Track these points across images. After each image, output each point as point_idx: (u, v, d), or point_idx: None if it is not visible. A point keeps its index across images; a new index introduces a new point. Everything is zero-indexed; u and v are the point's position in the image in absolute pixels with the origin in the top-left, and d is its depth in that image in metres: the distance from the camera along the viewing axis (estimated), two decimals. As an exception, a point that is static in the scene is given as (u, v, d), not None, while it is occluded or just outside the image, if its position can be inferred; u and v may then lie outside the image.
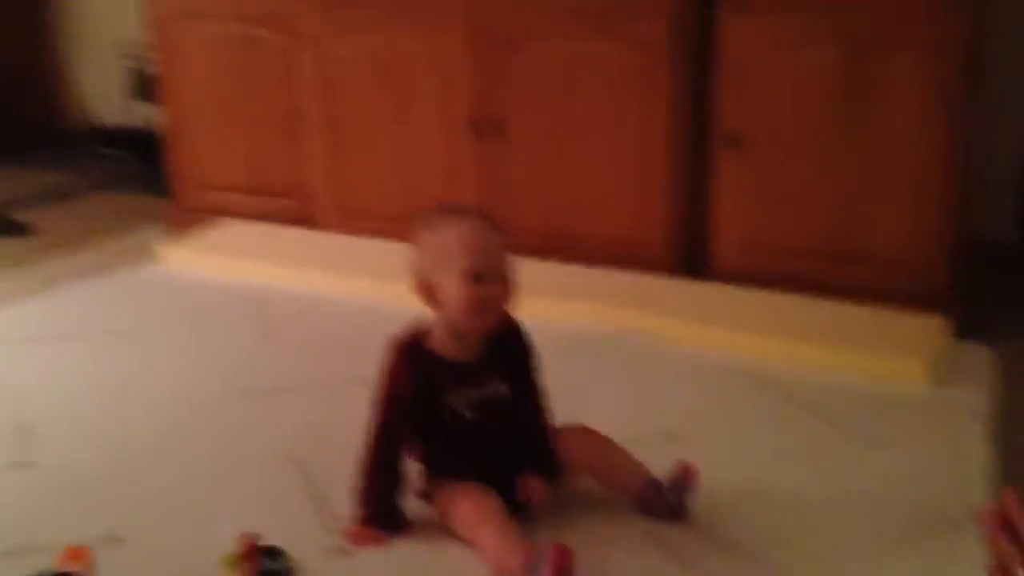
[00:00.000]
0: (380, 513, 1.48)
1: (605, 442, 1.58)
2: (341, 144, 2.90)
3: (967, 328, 2.32)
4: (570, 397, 1.65)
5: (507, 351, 1.52)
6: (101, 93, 4.59)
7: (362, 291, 2.51)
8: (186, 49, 3.04)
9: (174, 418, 1.86)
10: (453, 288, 1.44)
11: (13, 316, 2.39)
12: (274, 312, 2.42)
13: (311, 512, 1.54)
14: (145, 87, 3.55)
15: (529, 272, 2.47)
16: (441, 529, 1.48)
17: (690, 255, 2.59)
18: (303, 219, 2.99)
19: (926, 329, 2.20)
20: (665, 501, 1.51)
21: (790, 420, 1.90)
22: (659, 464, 1.57)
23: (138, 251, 3.00)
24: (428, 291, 1.47)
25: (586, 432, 1.59)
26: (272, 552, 1.39)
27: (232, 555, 1.37)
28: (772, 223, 2.49)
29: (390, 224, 2.85)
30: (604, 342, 2.24)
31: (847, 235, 2.42)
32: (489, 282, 1.45)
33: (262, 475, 1.65)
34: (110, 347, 2.19)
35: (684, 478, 1.51)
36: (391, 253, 2.70)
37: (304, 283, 2.58)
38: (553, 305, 2.33)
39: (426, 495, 1.53)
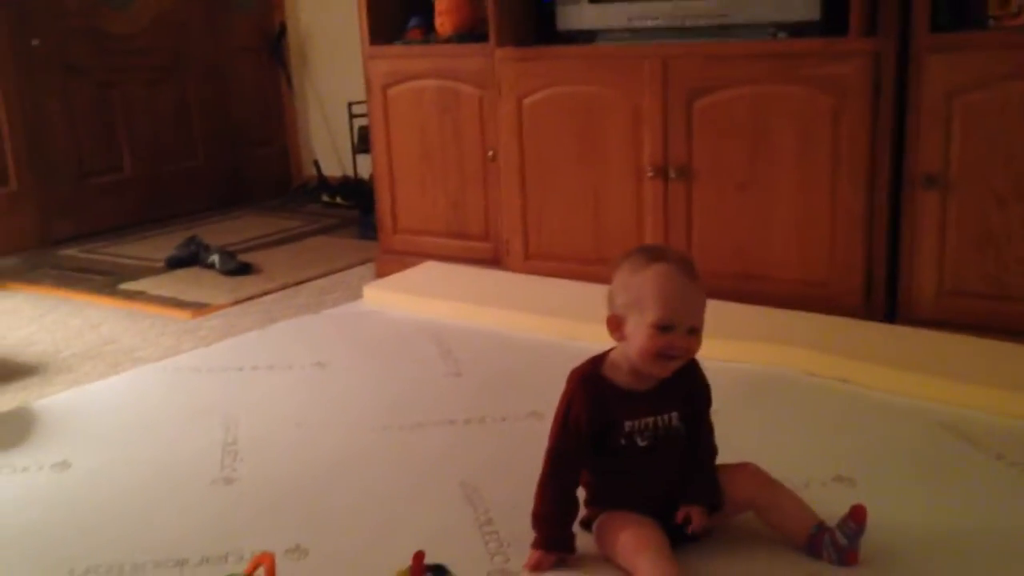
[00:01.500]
0: (553, 538, 1.51)
1: (771, 481, 1.55)
2: (532, 190, 3.01)
3: None
4: (748, 437, 1.64)
5: (683, 385, 1.53)
6: (330, 149, 5.02)
7: (545, 329, 2.59)
8: (396, 105, 3.27)
9: (363, 443, 1.99)
10: (640, 335, 1.46)
11: (232, 346, 2.64)
12: (463, 347, 2.53)
13: (479, 537, 1.60)
14: (366, 142, 3.85)
15: (716, 312, 2.50)
16: (598, 557, 1.50)
17: (885, 299, 2.49)
18: (495, 261, 3.12)
19: None
20: (833, 542, 1.46)
21: (976, 467, 1.79)
22: (829, 508, 1.53)
23: (346, 290, 3.24)
24: (617, 326, 1.51)
25: (753, 470, 1.57)
26: (439, 569, 1.46)
27: (404, 570, 1.46)
28: (972, 266, 2.36)
29: (576, 266, 2.92)
30: (787, 383, 2.19)
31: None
32: (677, 334, 1.46)
33: (438, 500, 1.74)
34: (314, 377, 2.38)
35: (853, 519, 1.46)
36: (575, 293, 2.81)
37: (492, 320, 2.69)
38: (738, 345, 2.31)
39: (585, 523, 1.56)
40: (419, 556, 1.46)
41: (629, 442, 1.51)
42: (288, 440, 2.02)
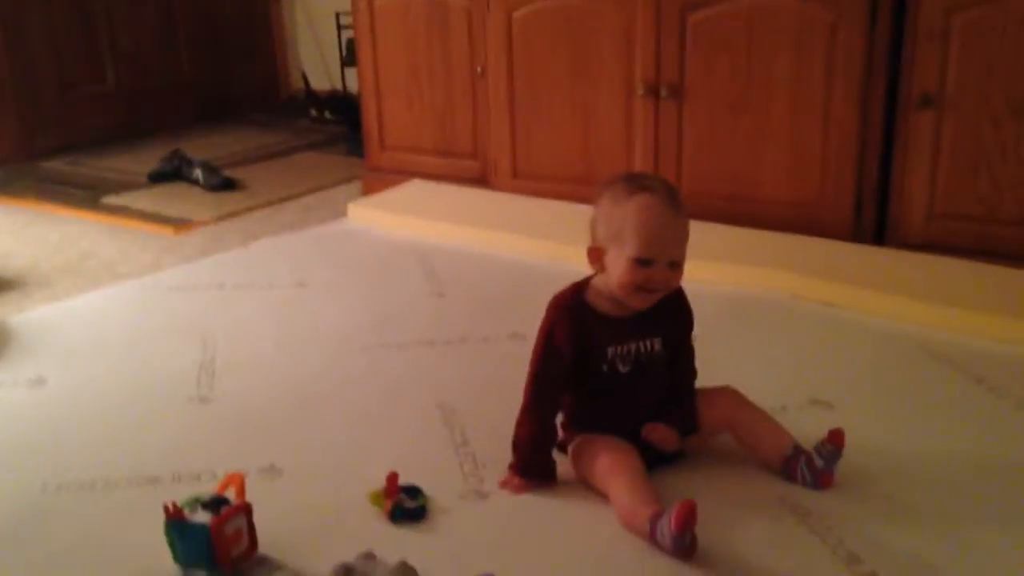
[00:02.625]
0: (532, 464, 1.51)
1: (749, 403, 1.55)
2: (521, 107, 2.94)
3: None
4: (728, 359, 1.63)
5: (666, 311, 1.51)
6: (319, 61, 4.90)
7: (531, 250, 2.56)
8: (383, 18, 3.17)
9: (342, 363, 1.97)
10: (620, 267, 1.44)
11: (214, 264, 2.61)
12: (446, 268, 2.50)
13: (454, 458, 1.60)
14: (355, 55, 3.76)
15: (703, 234, 2.45)
16: (573, 481, 1.50)
17: (875, 222, 2.45)
18: (483, 180, 3.07)
19: None
20: (808, 464, 1.46)
21: (956, 391, 1.79)
22: (805, 431, 1.52)
23: (331, 208, 3.20)
24: (597, 257, 1.48)
25: (731, 392, 1.56)
26: (412, 490, 1.46)
27: (378, 491, 1.46)
28: (964, 189, 2.31)
29: (564, 186, 2.87)
30: (771, 307, 2.17)
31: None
32: (656, 268, 1.43)
33: (415, 421, 1.73)
34: (295, 297, 2.35)
35: (831, 441, 1.46)
36: (562, 214, 2.76)
37: (477, 241, 2.66)
38: (723, 268, 2.28)
39: (562, 446, 1.56)
40: (393, 477, 1.46)
41: (611, 368, 1.49)
42: (266, 360, 2.01)
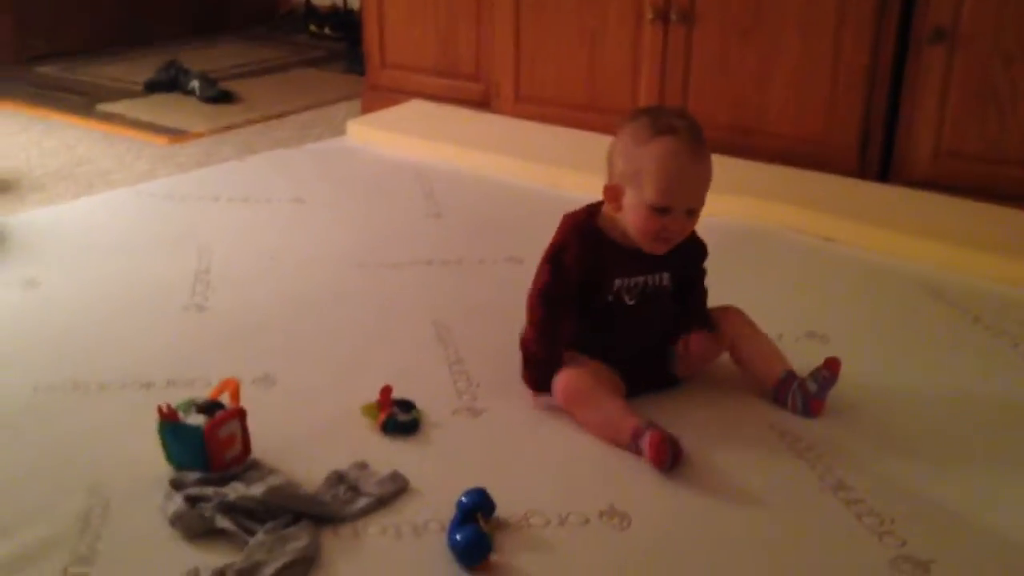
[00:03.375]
0: (543, 379, 1.47)
1: (752, 324, 1.54)
2: (526, 28, 2.88)
3: None
4: (724, 290, 1.61)
5: (678, 247, 1.47)
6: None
7: (530, 175, 2.54)
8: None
9: (337, 279, 1.96)
10: (636, 213, 1.41)
11: (209, 175, 2.58)
12: (444, 189, 2.48)
13: (448, 375, 1.60)
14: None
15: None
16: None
17: (880, 158, 2.43)
18: (484, 102, 3.02)
19: None
20: (801, 389, 1.46)
21: (952, 329, 1.79)
22: (798, 363, 1.52)
23: (329, 125, 3.15)
24: (614, 196, 1.45)
25: (735, 312, 1.56)
26: (405, 404, 1.46)
27: (371, 404, 1.46)
28: (972, 128, 2.28)
29: (567, 112, 2.83)
30: (771, 239, 2.16)
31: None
32: (673, 216, 1.40)
33: (409, 338, 1.72)
34: (292, 212, 2.33)
35: (827, 367, 1.46)
36: (563, 140, 2.73)
37: (476, 164, 2.63)
38: (724, 200, 2.25)
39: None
40: (387, 390, 1.46)
41: (616, 299, 1.48)
42: (262, 272, 1.99)
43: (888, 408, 1.51)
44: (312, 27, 4.59)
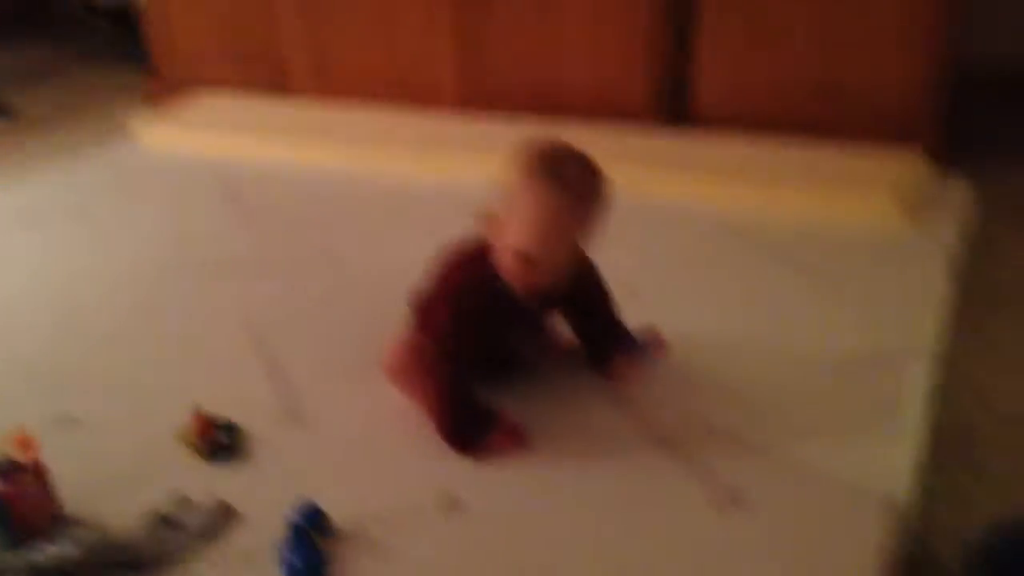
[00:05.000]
0: (475, 418, 1.36)
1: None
2: (315, 3, 2.79)
3: (950, 161, 2.27)
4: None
5: (573, 286, 1.41)
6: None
7: (338, 160, 2.47)
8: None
9: (138, 299, 1.85)
10: (507, 252, 1.33)
11: (-14, 201, 2.38)
12: (249, 186, 2.38)
13: (267, 386, 1.54)
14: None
15: (503, 132, 2.41)
16: (394, 397, 1.48)
17: (672, 103, 2.50)
18: (280, 85, 2.92)
19: (904, 167, 2.14)
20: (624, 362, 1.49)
21: (757, 269, 1.87)
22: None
23: (115, 129, 2.97)
24: (495, 227, 1.35)
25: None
26: (224, 425, 1.40)
27: (187, 429, 1.39)
28: (754, 65, 2.39)
29: (371, 89, 2.78)
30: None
31: (830, 73, 2.33)
32: (540, 268, 1.32)
33: (222, 351, 1.65)
34: (82, 229, 2.17)
35: (650, 348, 1.49)
36: (369, 120, 2.67)
37: (281, 154, 2.53)
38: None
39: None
40: (201, 414, 1.39)
41: (512, 351, 1.46)
42: (52, 300, 1.86)
43: (703, 354, 1.56)
44: (89, 19, 4.29)
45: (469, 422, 1.35)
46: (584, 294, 1.48)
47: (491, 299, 1.37)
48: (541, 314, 1.45)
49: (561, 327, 1.55)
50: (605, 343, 1.50)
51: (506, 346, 1.47)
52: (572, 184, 1.30)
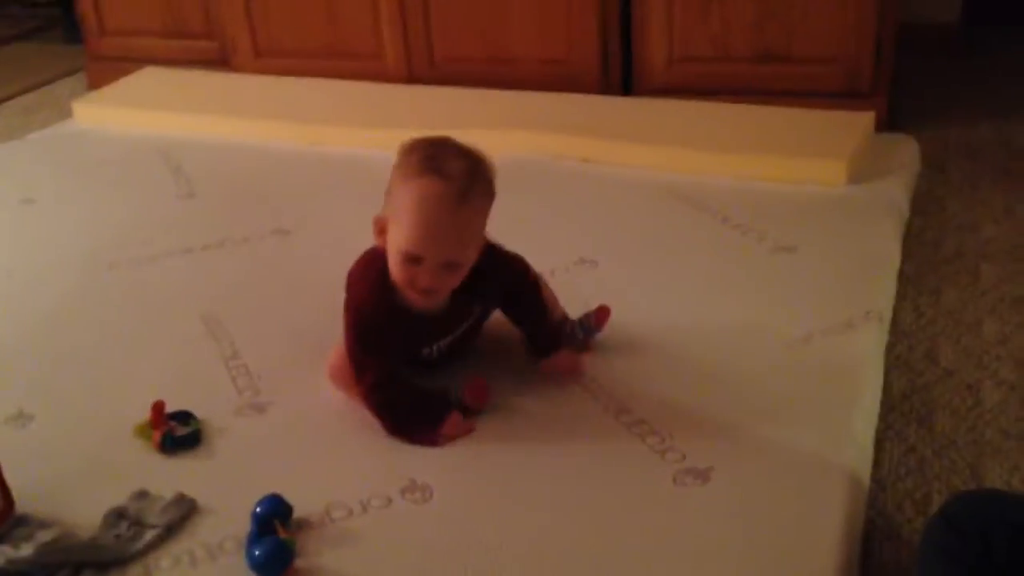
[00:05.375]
0: (437, 408, 1.34)
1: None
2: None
3: (895, 117, 2.30)
4: (495, 228, 1.60)
5: (481, 285, 1.36)
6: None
7: (284, 135, 2.44)
8: None
9: (87, 286, 1.81)
10: (392, 254, 1.29)
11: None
12: (194, 164, 2.34)
13: (225, 373, 1.52)
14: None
15: (461, 102, 2.37)
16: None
17: (621, 72, 2.50)
18: (223, 61, 2.85)
19: (850, 126, 2.17)
20: (571, 334, 1.50)
21: (705, 231, 1.89)
22: (575, 291, 1.57)
23: (54, 108, 2.89)
24: (380, 230, 1.31)
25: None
26: (182, 415, 1.38)
27: (145, 423, 1.37)
28: (699, 30, 2.39)
29: (312, 62, 2.73)
30: (533, 169, 2.19)
31: (775, 35, 2.35)
32: (425, 268, 1.27)
33: (177, 339, 1.62)
34: (22, 216, 2.12)
35: (596, 318, 1.50)
36: (313, 93, 2.63)
37: (224, 130, 2.49)
38: (480, 133, 2.25)
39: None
40: (158, 406, 1.37)
41: (429, 358, 1.43)
42: (-1, 292, 1.82)
43: (659, 326, 1.57)
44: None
45: (408, 420, 1.33)
46: (508, 292, 1.43)
47: (391, 312, 1.33)
48: (455, 316, 1.39)
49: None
50: (539, 339, 1.46)
51: (423, 349, 1.42)
52: (453, 176, 1.25)
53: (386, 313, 1.33)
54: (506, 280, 1.43)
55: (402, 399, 1.34)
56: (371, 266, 1.35)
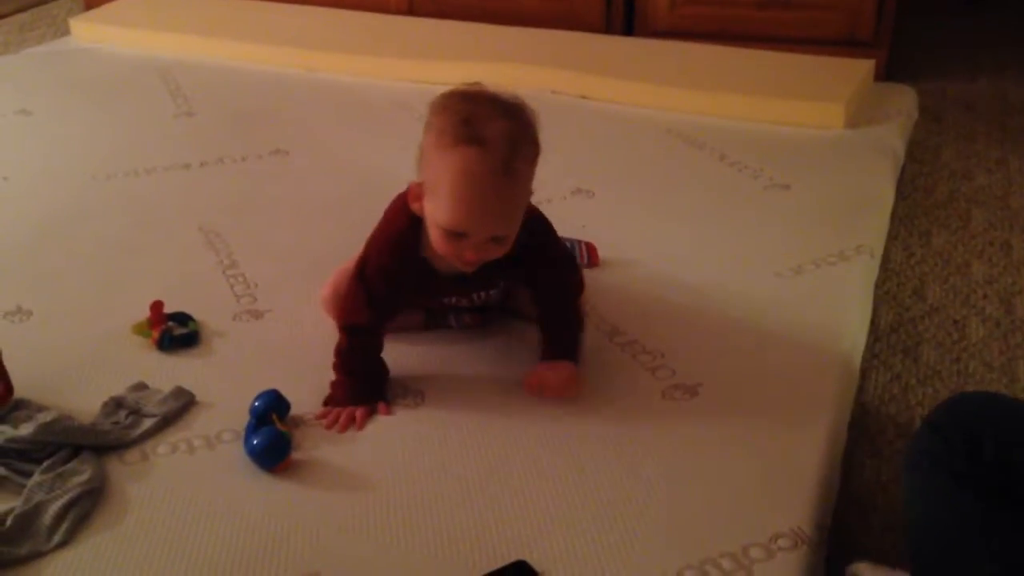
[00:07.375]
0: (363, 389, 1.26)
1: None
2: None
3: (895, 68, 2.31)
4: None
5: (514, 266, 1.25)
6: None
7: (284, 60, 2.43)
8: None
9: (87, 195, 1.82)
10: (433, 229, 1.17)
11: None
12: (193, 84, 2.33)
13: (223, 281, 1.53)
14: None
15: (462, 35, 2.37)
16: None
17: (624, 13, 2.49)
18: (224, -15, 2.82)
19: (849, 72, 2.17)
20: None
21: (701, 168, 1.90)
22: (571, 219, 1.57)
23: (51, 25, 2.86)
24: (417, 197, 1.20)
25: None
26: (181, 317, 1.40)
27: (142, 322, 1.38)
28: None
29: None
30: (528, 102, 2.18)
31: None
32: (470, 242, 1.16)
33: (176, 248, 1.64)
34: (19, 126, 2.11)
35: (588, 257, 1.53)
36: (314, 18, 2.61)
37: (224, 52, 2.48)
38: (482, 67, 2.25)
39: None
40: (157, 305, 1.39)
41: (445, 320, 1.39)
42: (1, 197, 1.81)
43: (653, 254, 1.59)
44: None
45: (348, 375, 1.26)
46: (533, 275, 1.31)
47: (408, 263, 1.25)
48: (476, 281, 1.28)
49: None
50: (548, 340, 1.30)
51: (449, 317, 1.39)
52: (494, 144, 1.12)
53: (401, 265, 1.25)
54: (535, 258, 1.28)
55: (359, 359, 1.28)
56: (404, 212, 1.24)
